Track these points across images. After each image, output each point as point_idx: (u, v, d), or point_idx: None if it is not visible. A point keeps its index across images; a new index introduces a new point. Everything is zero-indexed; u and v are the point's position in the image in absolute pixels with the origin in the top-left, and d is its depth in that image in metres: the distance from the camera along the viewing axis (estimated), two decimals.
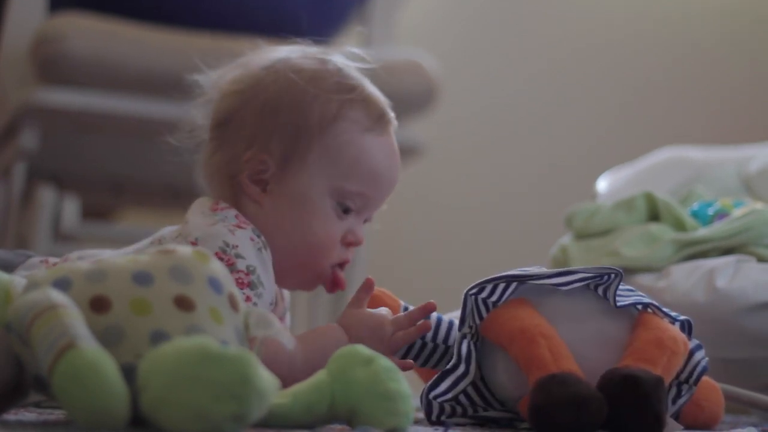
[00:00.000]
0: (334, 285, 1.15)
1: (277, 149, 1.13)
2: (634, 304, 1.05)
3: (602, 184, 1.67)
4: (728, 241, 1.37)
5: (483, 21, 3.08)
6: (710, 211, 1.44)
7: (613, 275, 1.03)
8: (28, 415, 0.95)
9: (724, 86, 3.00)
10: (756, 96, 2.97)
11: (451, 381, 1.05)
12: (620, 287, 1.05)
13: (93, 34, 1.94)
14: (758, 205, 1.42)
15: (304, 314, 2.33)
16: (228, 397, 0.74)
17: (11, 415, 0.92)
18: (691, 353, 1.06)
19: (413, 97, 2.08)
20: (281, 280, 1.14)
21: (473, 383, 1.07)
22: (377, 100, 1.16)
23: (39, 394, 0.86)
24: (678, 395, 1.06)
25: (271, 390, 0.78)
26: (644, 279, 1.37)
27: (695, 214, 1.46)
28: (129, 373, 0.78)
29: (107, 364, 0.75)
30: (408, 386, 0.89)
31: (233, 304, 0.88)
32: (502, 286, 1.04)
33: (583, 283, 1.04)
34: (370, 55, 1.18)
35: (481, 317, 1.05)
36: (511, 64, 3.06)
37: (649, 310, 1.06)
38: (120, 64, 1.95)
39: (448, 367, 1.06)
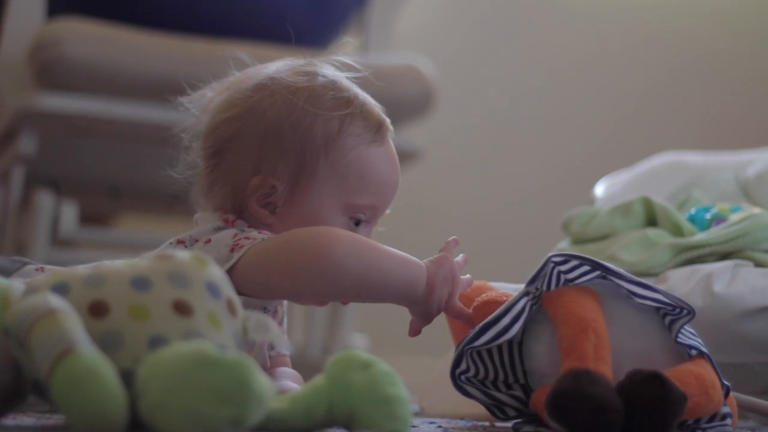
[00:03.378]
0: None
1: (285, 173, 1.12)
2: (692, 347, 1.04)
3: (600, 189, 1.67)
4: (726, 245, 1.37)
5: (481, 27, 3.08)
6: (708, 216, 1.44)
7: (685, 311, 1.03)
8: (26, 419, 0.95)
9: (722, 91, 3.01)
10: (754, 101, 2.98)
11: (493, 334, 1.03)
12: (685, 327, 1.04)
13: (91, 39, 1.94)
14: (756, 210, 1.41)
15: (302, 317, 2.33)
16: (226, 401, 0.75)
17: (10, 420, 0.93)
18: (724, 416, 1.05)
19: (411, 101, 2.08)
20: (299, 298, 1.14)
21: (509, 342, 1.06)
22: (373, 110, 1.16)
23: (37, 399, 0.86)
24: None
25: (269, 394, 0.78)
26: None
27: (692, 219, 1.46)
28: (127, 378, 0.78)
29: (106, 369, 0.75)
30: (406, 390, 0.89)
31: (231, 309, 0.88)
32: (585, 268, 1.04)
33: (655, 305, 1.04)
34: (368, 61, 1.18)
35: (550, 286, 1.04)
36: (509, 69, 3.06)
37: (704, 359, 1.04)
38: (118, 68, 1.95)
39: (490, 318, 1.04)
